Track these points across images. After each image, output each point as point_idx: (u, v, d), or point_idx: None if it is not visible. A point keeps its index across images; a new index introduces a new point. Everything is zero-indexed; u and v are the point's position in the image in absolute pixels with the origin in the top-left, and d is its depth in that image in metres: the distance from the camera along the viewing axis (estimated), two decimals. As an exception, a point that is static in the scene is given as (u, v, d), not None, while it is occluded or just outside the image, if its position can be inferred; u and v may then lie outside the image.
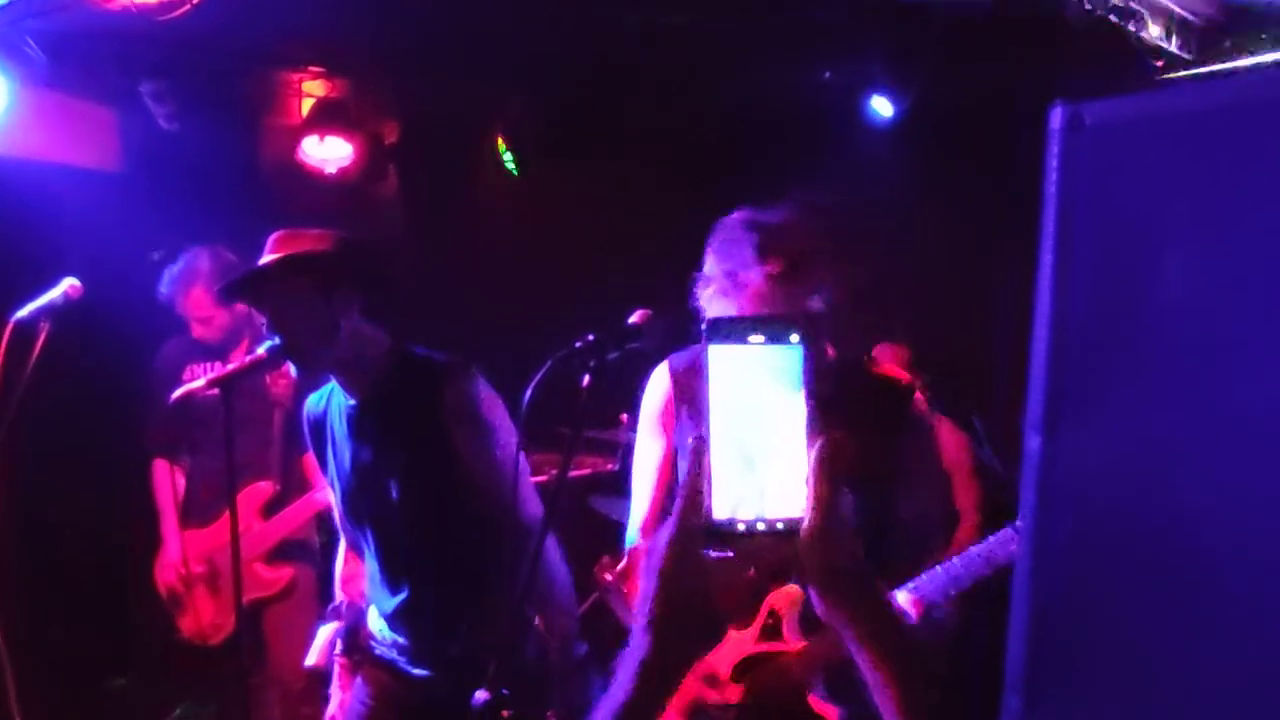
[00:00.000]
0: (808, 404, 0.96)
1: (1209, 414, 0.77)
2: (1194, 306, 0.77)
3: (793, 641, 2.26)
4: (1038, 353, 0.84)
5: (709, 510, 0.96)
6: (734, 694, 2.31)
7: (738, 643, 2.33)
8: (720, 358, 0.96)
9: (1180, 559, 0.80)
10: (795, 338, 0.96)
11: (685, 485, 0.98)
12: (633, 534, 2.56)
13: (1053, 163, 0.80)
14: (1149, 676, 0.82)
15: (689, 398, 2.40)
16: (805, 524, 0.96)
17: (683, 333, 2.18)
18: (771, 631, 2.29)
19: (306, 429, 2.89)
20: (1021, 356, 0.89)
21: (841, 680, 2.20)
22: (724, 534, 0.96)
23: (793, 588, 2.27)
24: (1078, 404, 0.82)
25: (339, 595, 3.00)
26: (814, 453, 0.96)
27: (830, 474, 0.96)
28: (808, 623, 2.25)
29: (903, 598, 2.12)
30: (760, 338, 0.96)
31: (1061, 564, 0.84)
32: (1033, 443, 0.84)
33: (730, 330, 0.96)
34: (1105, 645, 0.83)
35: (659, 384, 2.49)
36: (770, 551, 0.98)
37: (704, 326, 0.96)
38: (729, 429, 0.96)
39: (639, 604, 1.02)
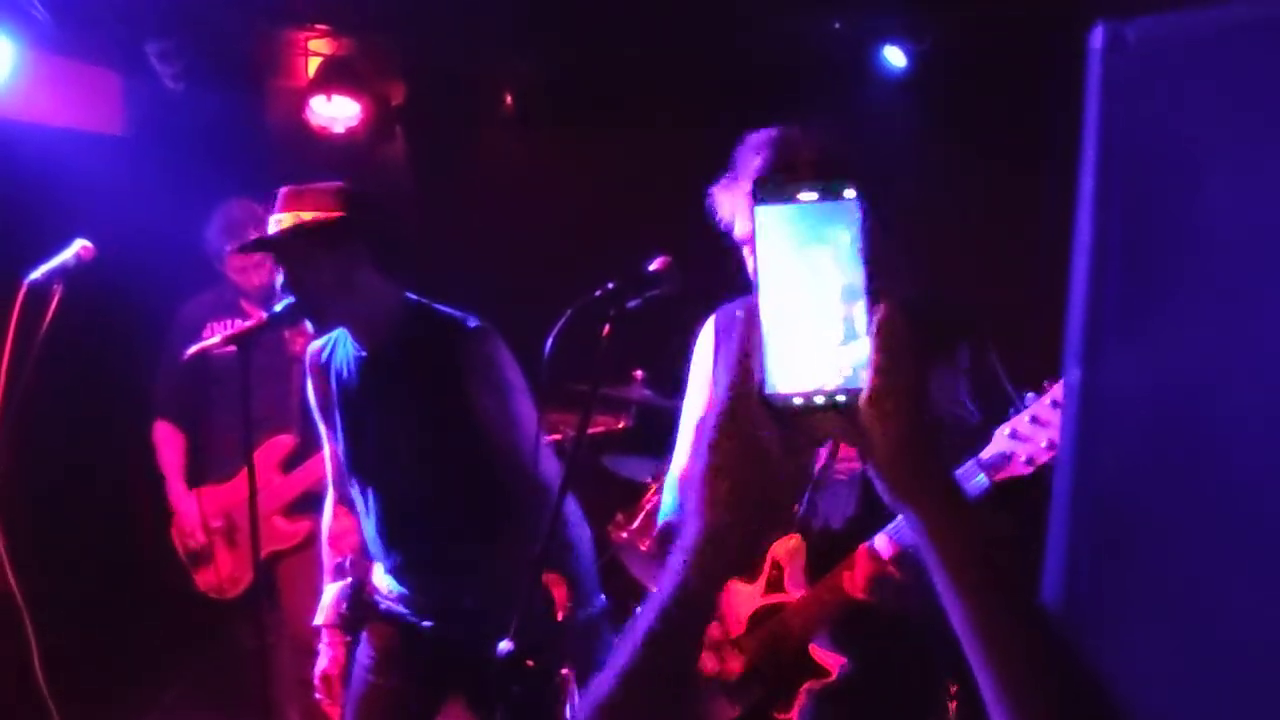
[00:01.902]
0: (864, 264, 0.89)
1: (1252, 340, 0.75)
2: (1239, 230, 0.75)
3: (794, 592, 2.27)
4: (1077, 282, 0.82)
5: (762, 383, 0.90)
6: (746, 647, 2.32)
7: (748, 596, 2.33)
8: (769, 219, 0.89)
9: (1222, 490, 0.78)
10: (850, 193, 0.89)
11: (736, 357, 0.91)
12: (668, 497, 2.56)
13: (1093, 85, 0.77)
14: (1187, 607, 0.81)
15: (726, 345, 2.40)
16: (864, 393, 0.89)
17: (700, 282, 2.16)
18: (776, 584, 2.30)
19: (309, 375, 2.88)
20: (1057, 306, 0.87)
21: (843, 630, 2.19)
22: (779, 408, 0.90)
23: (793, 537, 2.27)
24: (1118, 333, 0.80)
25: (327, 553, 3.01)
26: (874, 317, 0.89)
27: (892, 340, 0.88)
28: (808, 573, 2.25)
29: (880, 541, 2.09)
30: (812, 195, 0.89)
31: (1100, 496, 0.82)
32: (1072, 374, 0.83)
33: (779, 189, 0.89)
34: (1144, 577, 0.82)
35: (705, 337, 2.48)
36: (829, 425, 0.91)
37: (752, 187, 0.89)
38: (782, 296, 0.89)
39: (684, 486, 0.96)
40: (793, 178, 0.89)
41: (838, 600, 2.14)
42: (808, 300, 0.89)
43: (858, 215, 0.89)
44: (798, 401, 0.90)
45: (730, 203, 2.15)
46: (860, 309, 0.89)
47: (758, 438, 0.91)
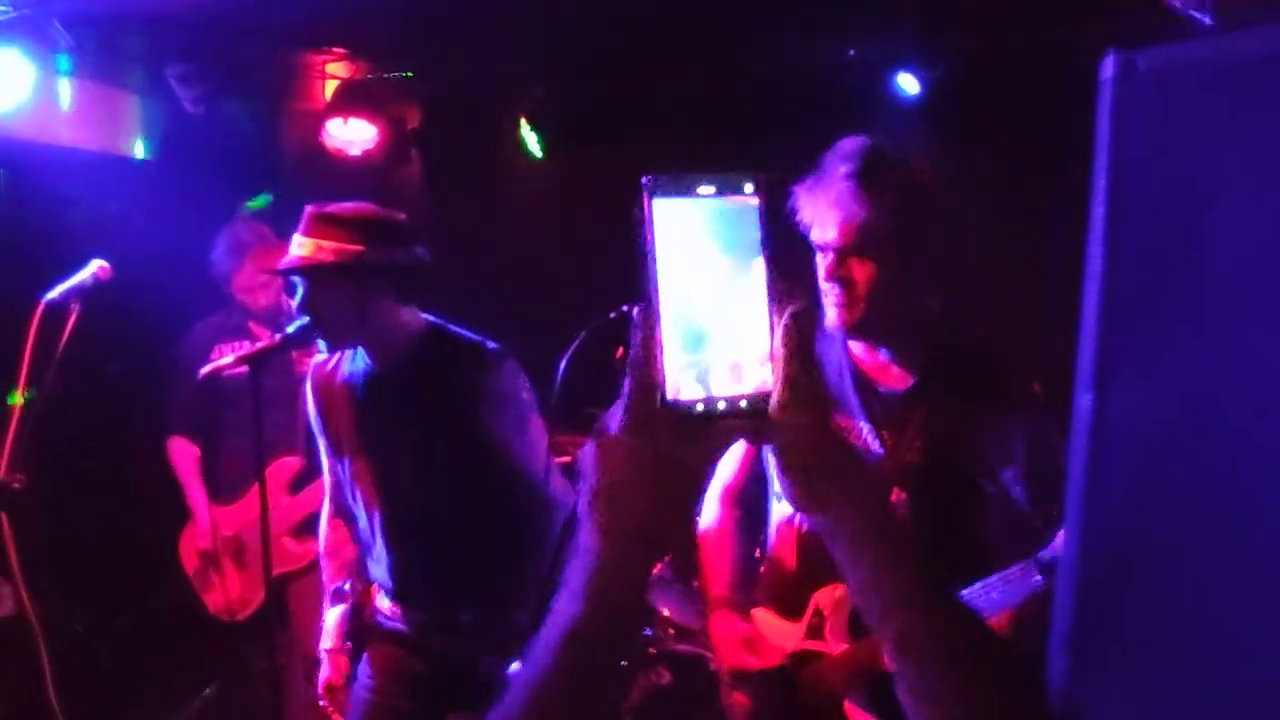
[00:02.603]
0: (766, 263, 0.85)
1: (1262, 363, 0.75)
2: (1250, 257, 0.75)
3: (834, 644, 2.24)
4: (1089, 309, 0.82)
5: (663, 390, 0.84)
6: (783, 685, 2.29)
7: (789, 635, 2.31)
8: (666, 214, 0.84)
9: (1234, 517, 0.78)
10: (750, 188, 0.86)
11: (635, 362, 0.85)
12: (707, 508, 2.58)
13: (1105, 112, 0.78)
14: (1199, 635, 0.80)
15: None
16: (774, 399, 0.86)
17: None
18: (817, 631, 2.27)
19: (311, 388, 2.88)
20: (1068, 332, 0.87)
21: (881, 691, 2.16)
22: (681, 415, 0.84)
23: (838, 587, 2.23)
24: (1130, 360, 0.80)
25: (325, 564, 3.01)
26: (784, 320, 0.85)
27: (802, 344, 0.85)
28: (851, 626, 2.23)
29: None
30: (710, 189, 0.85)
31: (1112, 523, 0.82)
32: (1084, 401, 0.83)
33: (677, 182, 0.85)
34: (1156, 604, 0.81)
35: None
36: (735, 433, 0.87)
37: (645, 179, 0.84)
38: (681, 296, 0.84)
39: (583, 502, 0.89)
40: (691, 170, 0.86)
41: (877, 667, 2.10)
42: (709, 301, 0.85)
43: (758, 212, 0.86)
44: (700, 408, 0.85)
45: (813, 205, 2.12)
46: (763, 310, 0.86)
47: (658, 449, 0.86)
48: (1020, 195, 4.38)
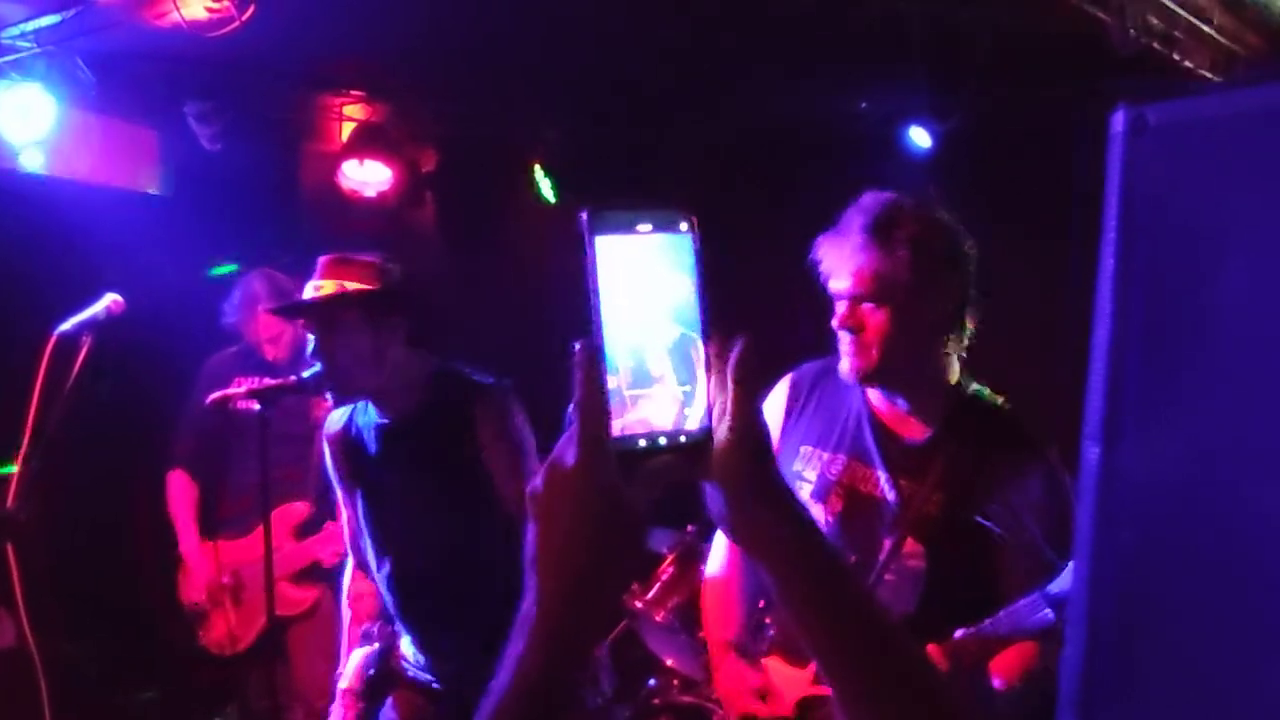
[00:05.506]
0: (702, 299, 0.87)
1: (1275, 418, 0.75)
2: (1260, 309, 0.75)
3: None
4: (1097, 359, 0.82)
5: (608, 428, 0.84)
6: None
7: (796, 681, 2.29)
8: (607, 251, 0.84)
9: (1247, 575, 0.77)
10: (685, 225, 0.87)
11: (581, 401, 0.84)
12: (715, 554, 2.56)
13: (1114, 167, 0.78)
14: (1210, 696, 0.80)
15: (808, 398, 2.43)
16: (720, 435, 0.86)
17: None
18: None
19: (328, 446, 2.87)
20: (1080, 383, 0.87)
21: None
22: (623, 452, 0.84)
23: None
24: (1139, 412, 0.79)
25: (346, 613, 3.00)
26: (733, 355, 0.86)
27: (749, 379, 0.85)
28: None
29: (933, 650, 2.03)
30: (648, 226, 0.86)
31: (1120, 579, 0.81)
32: (1091, 453, 0.82)
33: (615, 220, 0.85)
34: (1165, 663, 0.81)
35: (777, 396, 2.49)
36: (676, 471, 0.87)
37: (583, 215, 0.85)
38: (622, 332, 0.85)
39: (528, 555, 0.87)
40: (628, 207, 0.86)
41: None
42: (648, 338, 0.85)
43: (693, 248, 0.87)
44: (642, 444, 0.85)
45: (830, 255, 2.20)
46: (699, 345, 0.86)
47: (605, 488, 0.84)
48: (1031, 249, 4.38)
